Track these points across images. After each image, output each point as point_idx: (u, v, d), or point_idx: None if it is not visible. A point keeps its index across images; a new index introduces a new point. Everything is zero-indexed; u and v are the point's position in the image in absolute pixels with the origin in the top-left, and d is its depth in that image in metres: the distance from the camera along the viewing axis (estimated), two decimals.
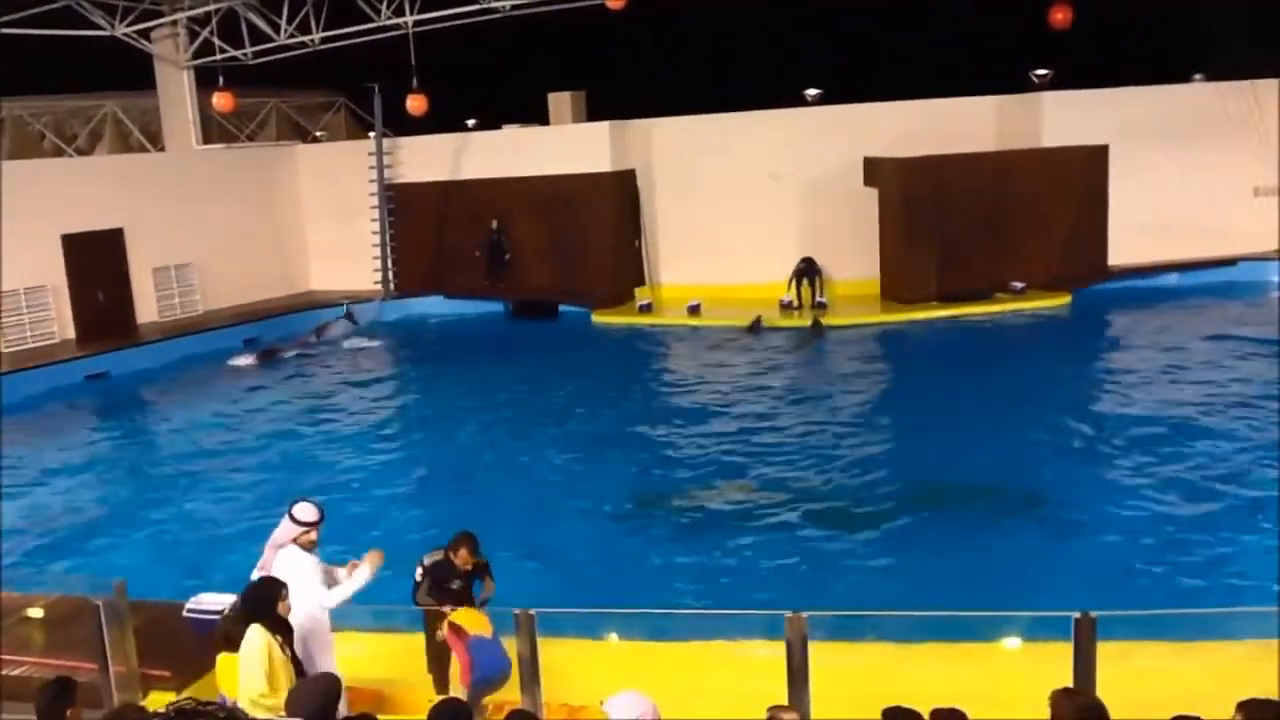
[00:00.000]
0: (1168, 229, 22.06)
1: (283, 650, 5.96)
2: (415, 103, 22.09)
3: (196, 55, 24.44)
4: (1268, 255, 22.18)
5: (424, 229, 25.19)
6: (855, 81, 23.97)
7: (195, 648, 7.56)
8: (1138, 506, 11.15)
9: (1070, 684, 5.40)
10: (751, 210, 23.57)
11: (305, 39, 23.28)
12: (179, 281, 23.47)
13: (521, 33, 23.85)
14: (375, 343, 22.25)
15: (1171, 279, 22.16)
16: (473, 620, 7.06)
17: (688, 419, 15.54)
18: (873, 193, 22.27)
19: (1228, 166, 22.14)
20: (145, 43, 24.16)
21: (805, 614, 6.01)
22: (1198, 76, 23.36)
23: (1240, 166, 22.21)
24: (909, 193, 21.36)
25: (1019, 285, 21.46)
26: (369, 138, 25.93)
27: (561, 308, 23.68)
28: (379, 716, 5.08)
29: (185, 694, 6.94)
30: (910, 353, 19.62)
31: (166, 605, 8.32)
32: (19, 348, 20.31)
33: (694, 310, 21.98)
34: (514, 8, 22.13)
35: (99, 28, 22.61)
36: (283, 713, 5.43)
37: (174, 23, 23.95)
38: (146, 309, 22.87)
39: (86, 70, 25.25)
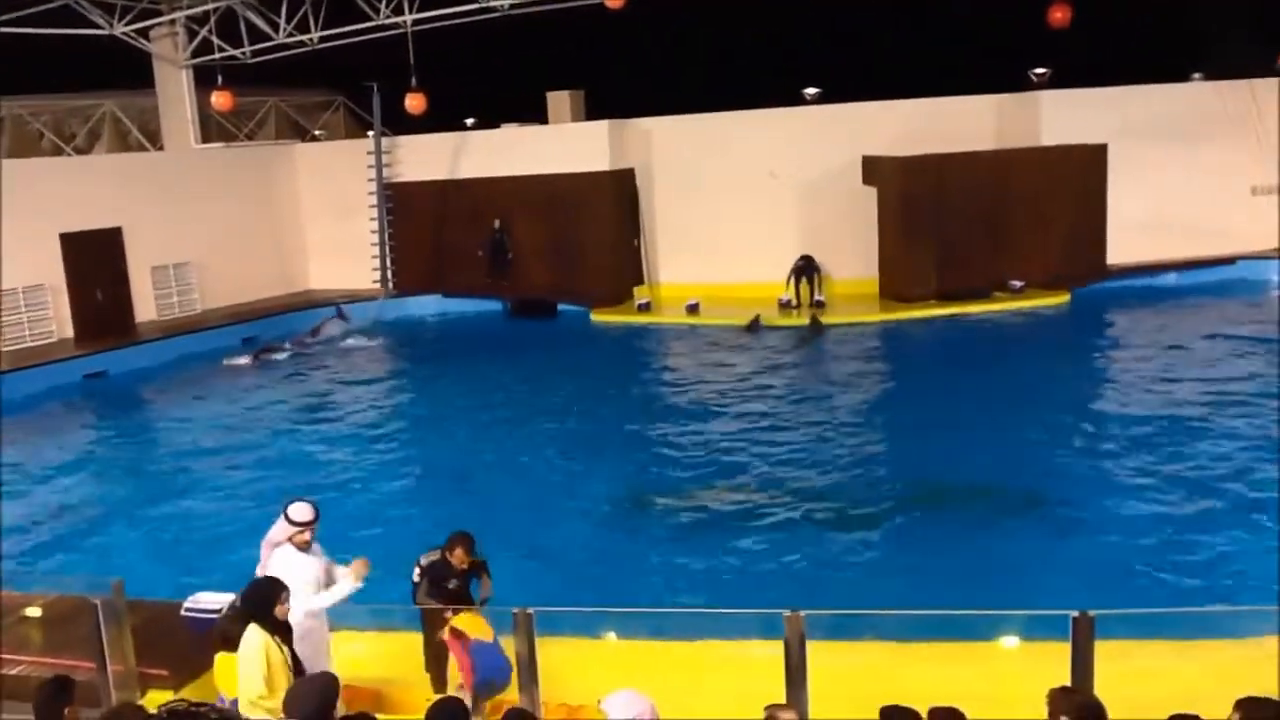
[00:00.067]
0: (1166, 228, 22.08)
1: (281, 650, 5.95)
2: (414, 102, 22.07)
3: (195, 54, 24.42)
4: (1266, 254, 22.19)
5: (422, 228, 25.18)
6: (854, 80, 23.97)
7: (193, 647, 7.55)
8: (1136, 505, 11.15)
9: (1068, 683, 5.40)
10: (750, 209, 23.57)
11: (304, 38, 23.27)
12: (177, 280, 23.47)
13: (520, 32, 23.84)
14: (373, 342, 22.25)
15: (1170, 278, 22.17)
16: (474, 625, 7.06)
17: (686, 418, 15.54)
18: (872, 192, 22.27)
19: (1226, 165, 22.14)
20: (144, 42, 24.15)
21: (803, 613, 6.01)
22: (1196, 76, 23.37)
23: (1239, 165, 22.21)
24: (908, 192, 21.36)
25: (1018, 284, 21.46)
26: (368, 137, 25.92)
27: (560, 307, 23.69)
28: (377, 716, 5.08)
29: (183, 693, 6.96)
30: (909, 352, 19.62)
31: (164, 604, 8.32)
32: (17, 346, 20.30)
33: (693, 309, 21.98)
34: (512, 6, 22.11)
35: (97, 27, 22.59)
36: (281, 713, 5.43)
37: (172, 22, 23.94)
38: (145, 308, 22.87)
39: (85, 69, 25.24)
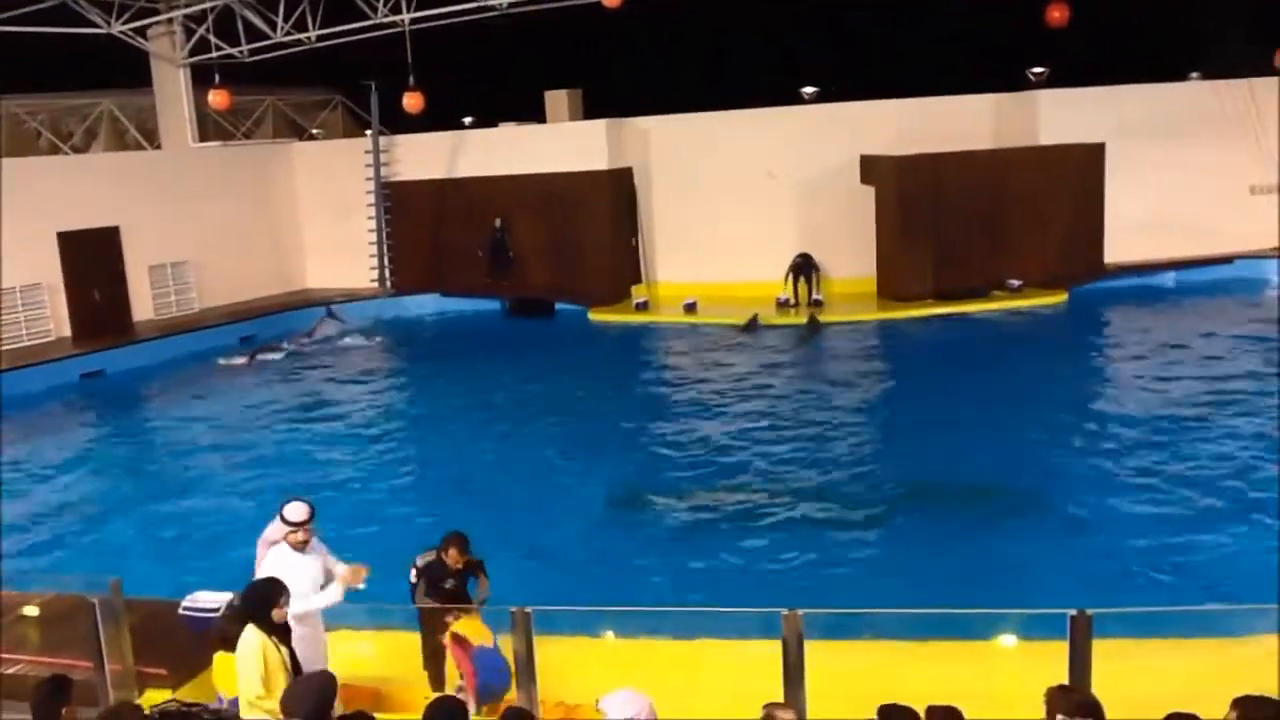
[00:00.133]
0: (1164, 227, 22.08)
1: (278, 650, 5.95)
2: (412, 101, 22.05)
3: (193, 53, 24.40)
4: (1264, 253, 22.21)
5: (420, 227, 25.18)
6: (852, 80, 23.97)
7: (191, 645, 7.57)
8: (1135, 504, 11.15)
9: (1066, 681, 5.40)
10: (748, 208, 23.57)
11: (302, 36, 23.24)
12: (175, 279, 23.45)
13: (518, 31, 23.81)
14: (371, 341, 22.24)
15: (1168, 277, 22.20)
16: (475, 631, 7.08)
17: (684, 417, 15.54)
18: (869, 191, 22.28)
19: (1224, 165, 22.14)
20: (141, 40, 24.12)
21: (801, 612, 6.01)
22: (1194, 75, 23.35)
23: (1237, 165, 22.21)
24: (905, 191, 21.37)
25: (1015, 283, 21.47)
26: (365, 135, 25.90)
27: (558, 306, 23.68)
28: (375, 715, 5.07)
29: (181, 692, 6.97)
30: (907, 351, 19.62)
31: (162, 603, 8.31)
32: (15, 346, 20.27)
33: (690, 308, 21.98)
34: (510, 5, 22.11)
35: (95, 25, 22.57)
36: (279, 713, 5.42)
37: (170, 20, 23.91)
38: (142, 307, 22.85)
39: (82, 68, 25.20)
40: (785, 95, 24.20)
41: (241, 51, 23.83)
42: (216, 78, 23.04)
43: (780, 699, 5.58)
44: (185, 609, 8.06)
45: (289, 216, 26.40)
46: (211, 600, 7.94)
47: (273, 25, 23.04)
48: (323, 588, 6.91)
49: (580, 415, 16.22)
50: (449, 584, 7.41)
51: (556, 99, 25.51)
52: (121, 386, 19.55)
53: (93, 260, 21.81)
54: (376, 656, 7.98)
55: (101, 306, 21.96)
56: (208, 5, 22.80)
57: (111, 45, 23.51)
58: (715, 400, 16.33)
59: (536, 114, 25.81)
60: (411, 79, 22.11)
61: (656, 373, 19.27)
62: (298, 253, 26.53)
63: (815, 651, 6.05)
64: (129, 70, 25.28)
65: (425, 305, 24.88)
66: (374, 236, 25.27)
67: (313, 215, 26.48)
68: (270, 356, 20.90)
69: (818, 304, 21.77)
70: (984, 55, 24.03)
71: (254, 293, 24.96)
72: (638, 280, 24.20)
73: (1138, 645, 6.99)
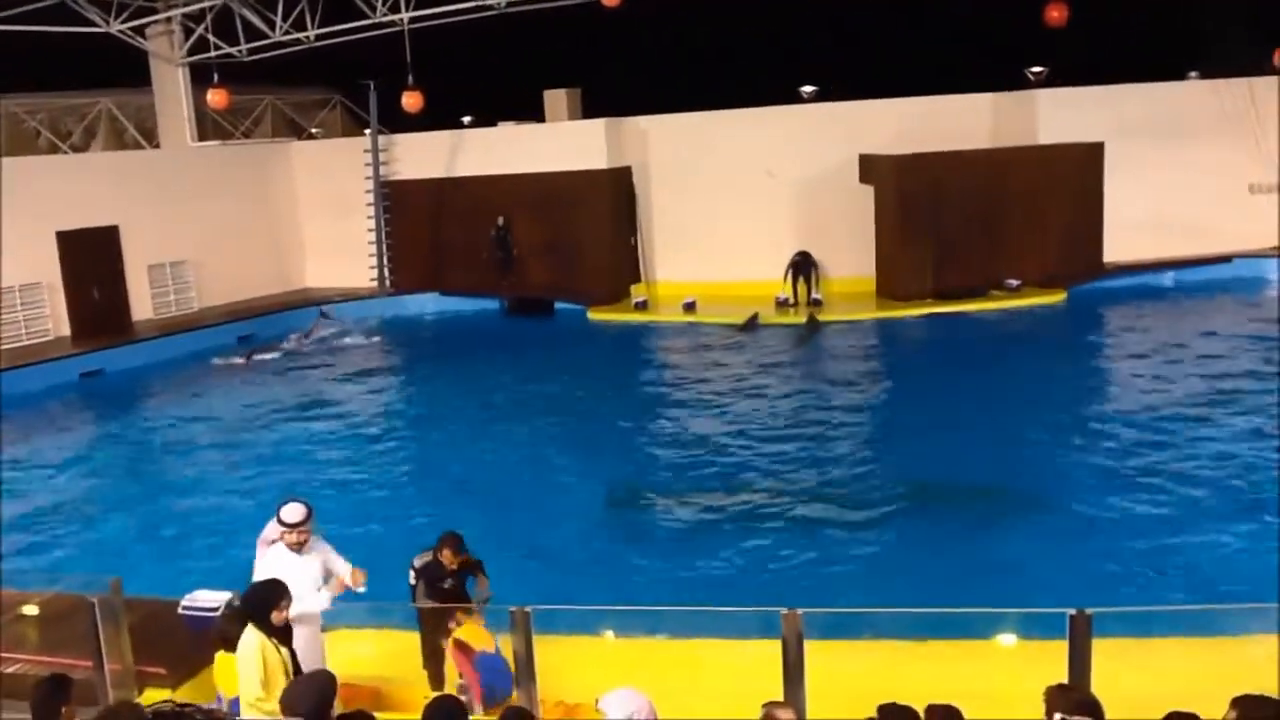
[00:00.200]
0: (1164, 226, 22.08)
1: (278, 652, 5.94)
2: (411, 100, 22.05)
3: (191, 52, 24.40)
4: (1263, 252, 22.22)
5: (419, 226, 25.17)
6: (851, 79, 23.95)
7: (190, 645, 7.57)
8: (1134, 503, 11.16)
9: (1066, 680, 5.40)
10: (747, 207, 23.57)
11: (300, 36, 23.24)
12: (174, 279, 23.45)
13: (517, 30, 23.82)
14: (371, 340, 22.23)
15: (1167, 276, 22.20)
16: (477, 636, 7.08)
17: (683, 417, 15.54)
18: (868, 190, 22.28)
19: (1223, 164, 22.14)
20: (140, 39, 24.12)
21: (801, 611, 6.01)
22: (1193, 74, 23.35)
23: (1236, 164, 22.21)
24: (905, 190, 21.37)
25: (1014, 283, 21.47)
26: (364, 135, 25.90)
27: (557, 305, 23.68)
28: (375, 714, 5.07)
29: (180, 691, 6.97)
30: (906, 350, 19.64)
31: (162, 602, 8.30)
32: (14, 345, 20.27)
33: (689, 307, 21.97)
34: (509, 4, 22.10)
35: (94, 24, 22.57)
36: (279, 714, 5.42)
37: (169, 19, 23.91)
38: (142, 306, 22.85)
39: (81, 67, 25.19)
40: (784, 94, 24.21)
41: (240, 51, 23.83)
42: (215, 77, 23.05)
43: (780, 698, 5.58)
44: (185, 608, 8.06)
45: (288, 216, 26.39)
46: (211, 600, 7.94)
47: (271, 24, 23.04)
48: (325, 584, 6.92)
49: (580, 415, 16.22)
50: (447, 584, 7.42)
51: (555, 98, 25.51)
52: (121, 386, 19.54)
53: (92, 259, 21.80)
54: (376, 656, 7.97)
55: (101, 306, 21.96)
56: (206, 4, 22.80)
57: (110, 44, 23.51)
58: (714, 399, 16.33)
59: (535, 113, 25.81)
60: (410, 78, 22.11)
61: (656, 372, 19.27)
62: (297, 252, 26.53)
63: (815, 651, 6.05)
64: (128, 69, 25.27)
65: (424, 304, 24.88)
66: (373, 236, 25.27)
67: (312, 215, 26.47)
68: (267, 356, 20.90)
69: (817, 303, 21.77)
70: (983, 54, 24.02)
71: (253, 292, 24.95)
72: (637, 279, 24.19)
73: (1137, 644, 6.99)
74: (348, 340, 22.14)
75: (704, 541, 10.89)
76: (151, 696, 6.74)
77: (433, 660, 7.43)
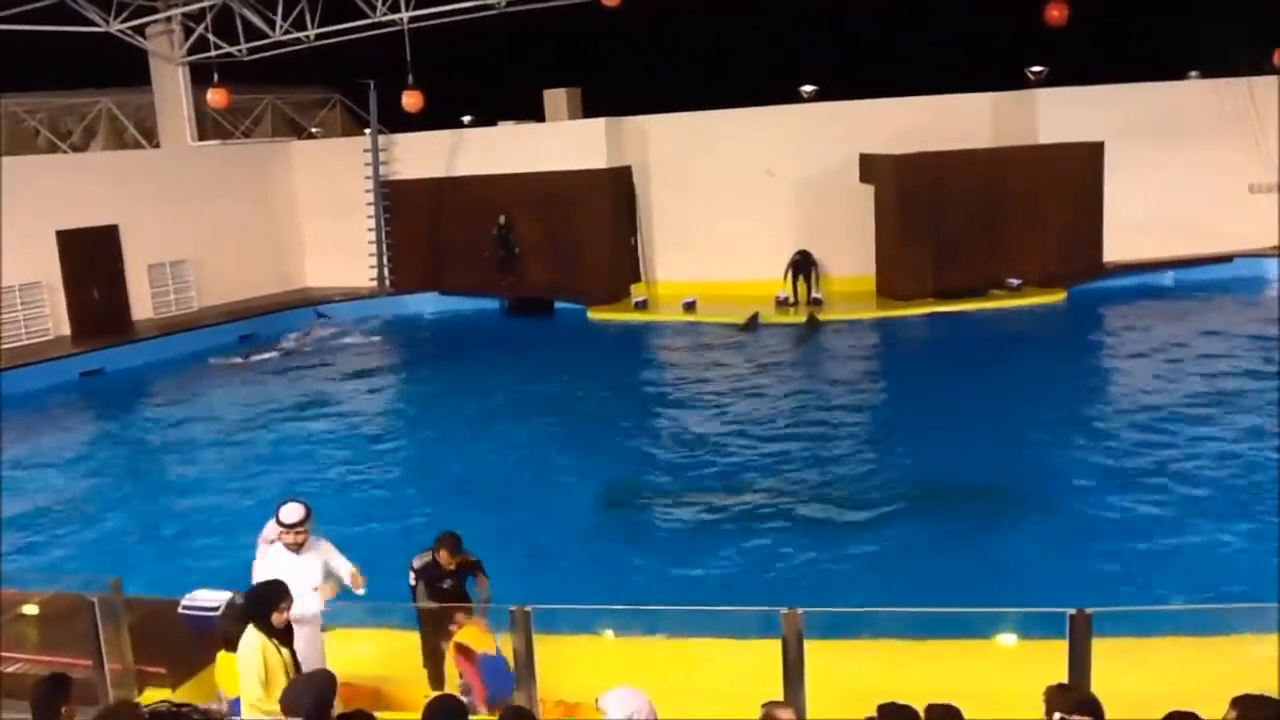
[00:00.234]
0: (1164, 226, 22.08)
1: (279, 653, 5.95)
2: (411, 99, 22.04)
3: (191, 51, 24.40)
4: (1263, 252, 22.22)
5: (419, 226, 25.18)
6: (851, 78, 23.95)
7: (190, 644, 7.58)
8: (1134, 503, 11.15)
9: (1066, 680, 5.40)
10: (747, 207, 23.57)
11: (300, 35, 23.24)
12: (174, 278, 23.46)
13: (517, 29, 23.82)
14: (370, 340, 22.24)
15: (1167, 276, 22.20)
16: (478, 639, 7.07)
17: (684, 416, 15.54)
18: (869, 189, 22.27)
19: (1224, 163, 22.14)
20: (140, 39, 24.12)
21: (801, 610, 6.01)
22: (1194, 73, 23.35)
23: (1236, 164, 22.21)
24: (905, 189, 21.36)
25: (1014, 282, 21.46)
26: (364, 134, 25.90)
27: (557, 304, 23.67)
28: (375, 713, 5.07)
29: (180, 690, 6.97)
30: (906, 349, 19.64)
31: (162, 602, 8.31)
32: (14, 344, 20.27)
33: (689, 307, 21.96)
34: (509, 4, 22.11)
35: (94, 24, 22.57)
36: (279, 715, 5.43)
37: (169, 19, 23.91)
38: (142, 306, 22.86)
39: (81, 66, 25.21)
40: (784, 94, 24.20)
41: (240, 50, 23.83)
42: (215, 76, 23.06)
43: (780, 698, 5.58)
44: (185, 608, 8.06)
45: (288, 215, 26.39)
46: (211, 599, 7.94)
47: (271, 24, 23.04)
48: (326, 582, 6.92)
49: (580, 414, 16.21)
50: (446, 584, 7.42)
51: (555, 98, 25.51)
52: (121, 385, 19.54)
53: (92, 259, 21.81)
54: (376, 656, 7.97)
55: (101, 305, 21.96)
56: (206, 4, 22.80)
57: (110, 44, 23.52)
58: (715, 399, 16.33)
59: (535, 113, 25.80)
60: (410, 77, 22.10)
61: (656, 372, 19.27)
62: (297, 251, 26.52)
63: (815, 650, 6.05)
64: (128, 69, 25.28)
65: (424, 304, 24.88)
66: (373, 235, 25.27)
67: (312, 214, 26.47)
68: (265, 356, 20.90)
69: (817, 303, 21.76)
70: (983, 54, 24.01)
71: (253, 291, 24.95)
72: (637, 279, 24.20)
73: (1137, 644, 6.99)
74: (347, 340, 22.14)
75: (704, 541, 10.89)
76: (151, 696, 6.74)
77: (433, 660, 7.43)
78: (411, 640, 7.63)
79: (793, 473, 12.80)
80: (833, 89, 24.05)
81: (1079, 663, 5.72)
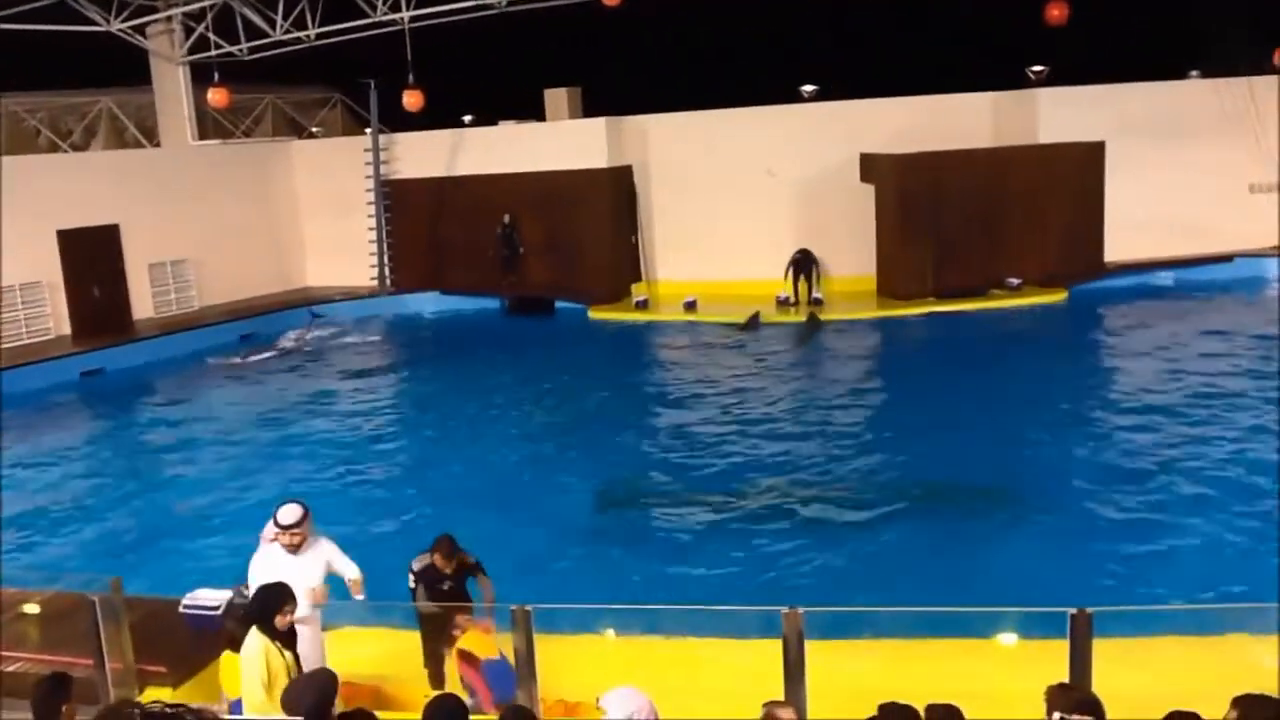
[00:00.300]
0: (1164, 226, 22.07)
1: (282, 655, 5.94)
2: (411, 99, 22.03)
3: (192, 51, 24.40)
4: (1264, 252, 22.22)
5: (420, 225, 25.18)
6: (852, 78, 23.94)
7: (191, 644, 7.58)
8: (1135, 503, 11.15)
9: (1066, 680, 5.40)
10: (748, 206, 23.57)
11: (301, 34, 23.25)
12: (175, 277, 23.46)
13: (518, 29, 23.83)
14: (370, 339, 22.23)
15: (1167, 276, 22.20)
16: (481, 644, 7.07)
17: (684, 416, 15.54)
18: (869, 189, 22.27)
19: (1224, 163, 22.14)
20: (140, 38, 24.12)
21: (801, 610, 6.01)
22: (1194, 73, 23.35)
23: (1236, 163, 22.20)
24: (905, 189, 21.37)
25: (1015, 282, 21.46)
26: (365, 134, 25.91)
27: (558, 304, 23.68)
28: (375, 713, 5.08)
29: (181, 690, 6.98)
30: (906, 349, 19.64)
31: (162, 601, 8.30)
32: (15, 343, 20.27)
33: (690, 306, 21.97)
34: (510, 3, 22.12)
35: (94, 23, 22.58)
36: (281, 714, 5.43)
37: (169, 18, 23.92)
38: (142, 305, 22.86)
39: (82, 66, 25.20)
40: (785, 93, 24.19)
41: (241, 49, 23.83)
42: (216, 76, 23.05)
43: (780, 697, 5.58)
44: (185, 607, 8.05)
45: (288, 215, 26.39)
46: (212, 598, 7.94)
47: (272, 23, 23.04)
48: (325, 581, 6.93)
49: (580, 414, 16.21)
50: (446, 586, 7.41)
51: (556, 97, 25.51)
52: (121, 384, 19.54)
53: (92, 258, 21.81)
54: (376, 655, 7.97)
55: (101, 304, 21.96)
56: (207, 3, 22.80)
57: (111, 43, 23.52)
58: (715, 399, 16.33)
59: (536, 112, 25.80)
60: (411, 77, 22.09)
61: (656, 371, 19.27)
62: (297, 251, 26.53)
63: (815, 650, 6.05)
64: (128, 68, 25.29)
65: (425, 303, 24.88)
66: (374, 235, 25.27)
67: (312, 213, 26.47)
68: (265, 355, 20.89)
69: (817, 302, 21.76)
70: (983, 53, 24.01)
71: (254, 291, 24.95)
72: (637, 278, 24.20)
73: (1138, 644, 6.99)
74: (348, 339, 22.14)
75: (704, 540, 10.89)
76: (152, 695, 6.74)
77: (433, 660, 7.43)
78: (412, 640, 7.64)
79: (793, 472, 12.80)
80: (833, 89, 24.04)
81: (1080, 662, 5.72)
